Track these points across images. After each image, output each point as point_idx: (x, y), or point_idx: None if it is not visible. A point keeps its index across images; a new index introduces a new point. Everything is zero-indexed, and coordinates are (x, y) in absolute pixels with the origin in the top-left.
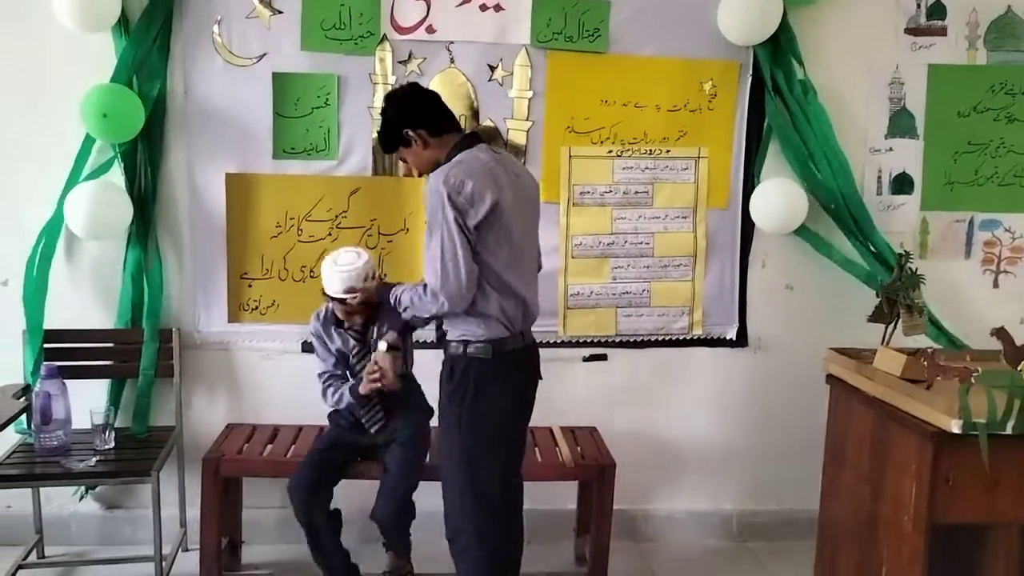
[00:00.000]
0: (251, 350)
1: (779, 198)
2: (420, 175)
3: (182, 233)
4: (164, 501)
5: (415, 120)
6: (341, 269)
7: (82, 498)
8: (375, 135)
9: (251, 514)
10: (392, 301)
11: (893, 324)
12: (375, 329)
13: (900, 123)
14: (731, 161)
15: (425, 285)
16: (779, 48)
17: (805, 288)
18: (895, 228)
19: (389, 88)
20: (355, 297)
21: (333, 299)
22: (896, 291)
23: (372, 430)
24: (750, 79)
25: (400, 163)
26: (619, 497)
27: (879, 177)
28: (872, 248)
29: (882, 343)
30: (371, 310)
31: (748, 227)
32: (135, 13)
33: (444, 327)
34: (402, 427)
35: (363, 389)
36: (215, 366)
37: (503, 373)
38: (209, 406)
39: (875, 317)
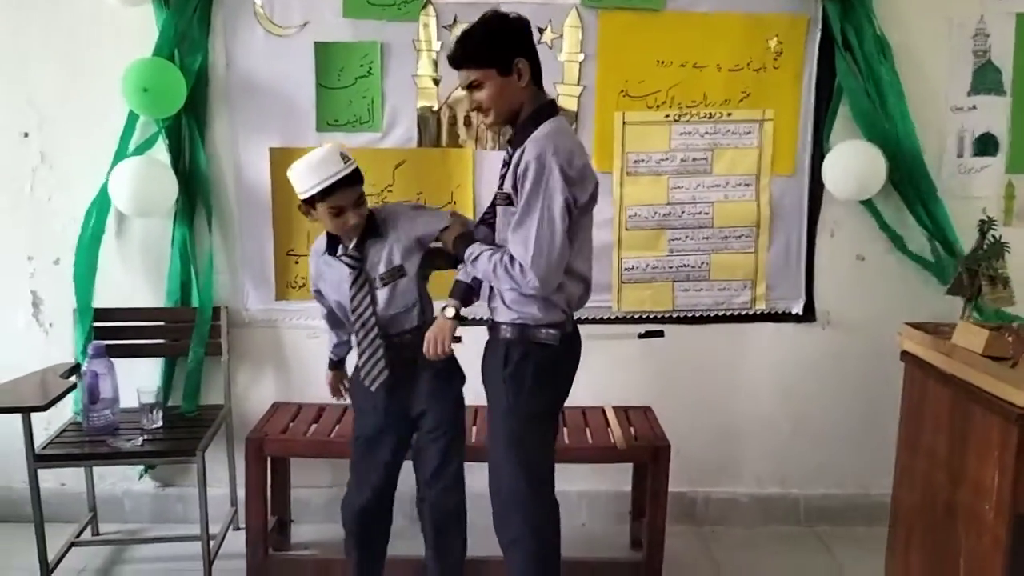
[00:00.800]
0: (298, 328)
1: (857, 162)
2: (491, 122)
3: (228, 210)
4: (215, 480)
5: (529, 50)
6: (313, 160)
7: (141, 477)
8: (457, 47)
9: (300, 493)
10: (467, 258)
11: (974, 297)
12: (380, 252)
13: (985, 78)
14: (798, 124)
15: (512, 257)
16: (850, 1)
17: (878, 258)
18: (977, 193)
19: (434, 56)
20: (349, 175)
21: (309, 204)
22: (978, 260)
23: (371, 385)
24: (819, 35)
25: (469, 99)
26: (678, 479)
27: (961, 138)
28: (931, 224)
29: (961, 317)
30: (368, 222)
31: (816, 195)
32: None
33: (494, 303)
34: (430, 411)
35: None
36: (262, 344)
37: (562, 359)
38: (257, 384)
39: (954, 289)
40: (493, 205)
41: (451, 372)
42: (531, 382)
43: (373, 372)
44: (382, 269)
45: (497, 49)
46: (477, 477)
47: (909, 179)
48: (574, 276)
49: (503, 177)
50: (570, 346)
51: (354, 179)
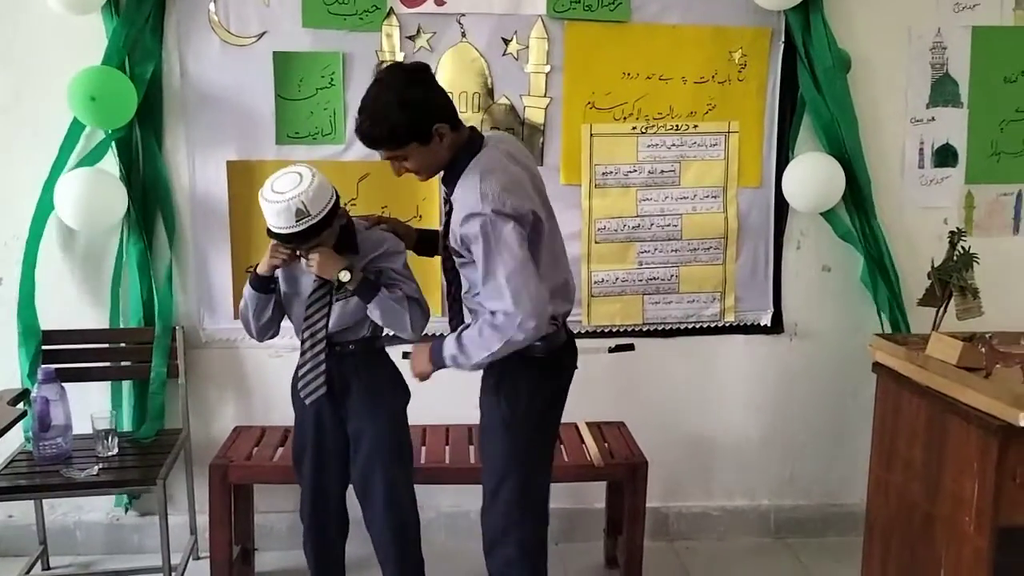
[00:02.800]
0: (259, 348)
1: (813, 174)
2: (425, 178)
3: (183, 225)
4: (172, 507)
5: (443, 108)
6: (272, 198)
7: (127, 510)
8: (370, 131)
9: (264, 519)
10: (451, 354)
11: (944, 307)
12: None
13: (943, 91)
14: (763, 136)
15: (492, 312)
16: (810, 13)
17: (843, 269)
18: (938, 203)
19: None
20: (298, 233)
21: (275, 237)
22: (949, 272)
23: (306, 399)
24: (782, 47)
25: (394, 168)
26: (650, 494)
27: (920, 149)
28: (867, 243)
29: (933, 328)
30: (344, 235)
31: (782, 206)
32: None
33: None
34: (366, 422)
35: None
36: (221, 365)
37: (553, 370)
38: (217, 408)
39: (925, 300)
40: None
41: (393, 387)
42: (526, 397)
43: (312, 385)
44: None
45: (413, 127)
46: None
47: (855, 195)
48: (553, 294)
49: (447, 217)
50: (563, 357)
51: (307, 235)
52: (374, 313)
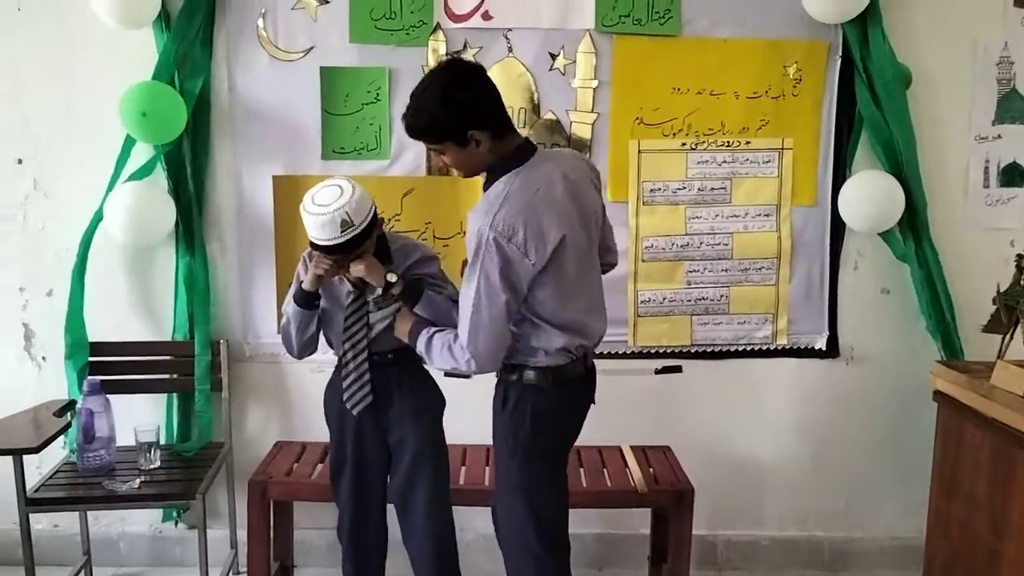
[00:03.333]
0: (301, 362)
1: (871, 193)
2: (464, 176)
3: (229, 239)
4: (214, 521)
5: (485, 117)
6: (315, 211)
7: (176, 523)
8: (411, 120)
9: (303, 535)
10: (421, 347)
11: (1010, 334)
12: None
13: (1010, 107)
14: (819, 153)
15: (456, 336)
16: (868, 26)
17: (903, 292)
18: (1004, 224)
19: None
20: (343, 243)
21: (317, 248)
22: (1016, 297)
23: (352, 409)
24: (839, 61)
25: (434, 159)
26: (697, 521)
27: (985, 168)
28: (922, 268)
29: (998, 356)
30: (379, 247)
31: (838, 225)
32: (176, 7)
33: None
34: (409, 430)
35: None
36: (265, 380)
37: (562, 401)
38: (259, 422)
39: (991, 327)
40: None
41: (432, 396)
42: (529, 426)
43: (358, 395)
44: (379, 293)
45: (448, 126)
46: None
47: (910, 215)
48: (566, 327)
49: None
50: (576, 390)
51: (351, 245)
52: (426, 312)
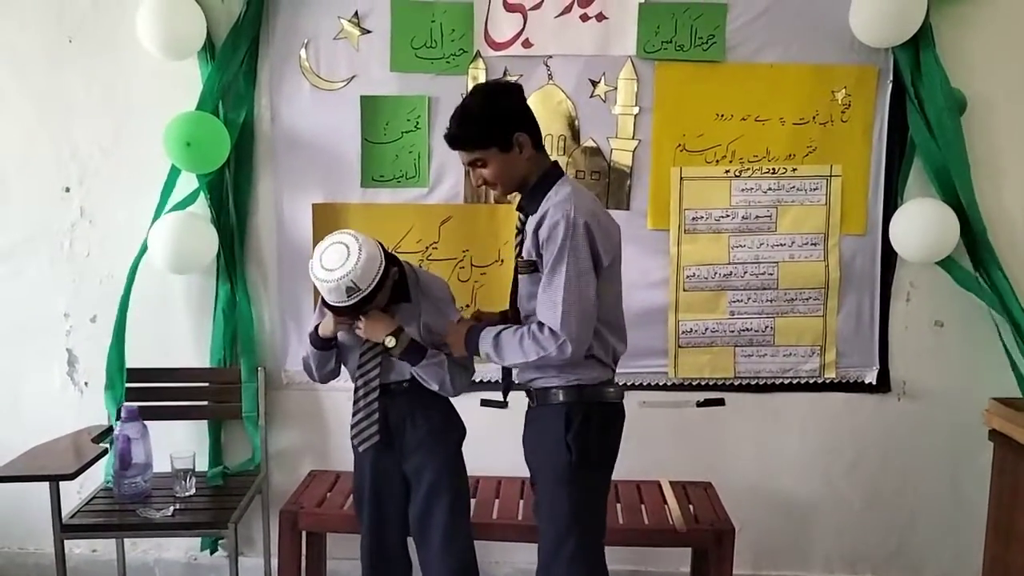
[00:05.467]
0: (338, 390)
1: (925, 222)
2: (500, 194)
3: (269, 267)
4: (249, 548)
5: (528, 121)
6: (322, 276)
7: (213, 552)
8: (455, 130)
9: (337, 565)
10: (485, 351)
11: None
12: (403, 318)
13: None
14: (869, 180)
15: (540, 323)
16: (920, 50)
17: (958, 325)
18: None
19: None
20: (351, 306)
21: (330, 309)
22: None
23: (360, 447)
24: (890, 86)
25: (473, 176)
26: (740, 560)
27: None
28: (992, 295)
29: None
30: (398, 285)
31: (889, 255)
32: (221, 38)
33: (536, 372)
34: (425, 459)
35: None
36: (300, 408)
37: (619, 418)
38: (294, 450)
39: None
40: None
41: (448, 423)
42: (596, 447)
43: (365, 433)
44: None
45: (495, 128)
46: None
47: (970, 244)
48: (614, 328)
49: (520, 244)
50: (622, 407)
51: (359, 307)
52: (420, 372)
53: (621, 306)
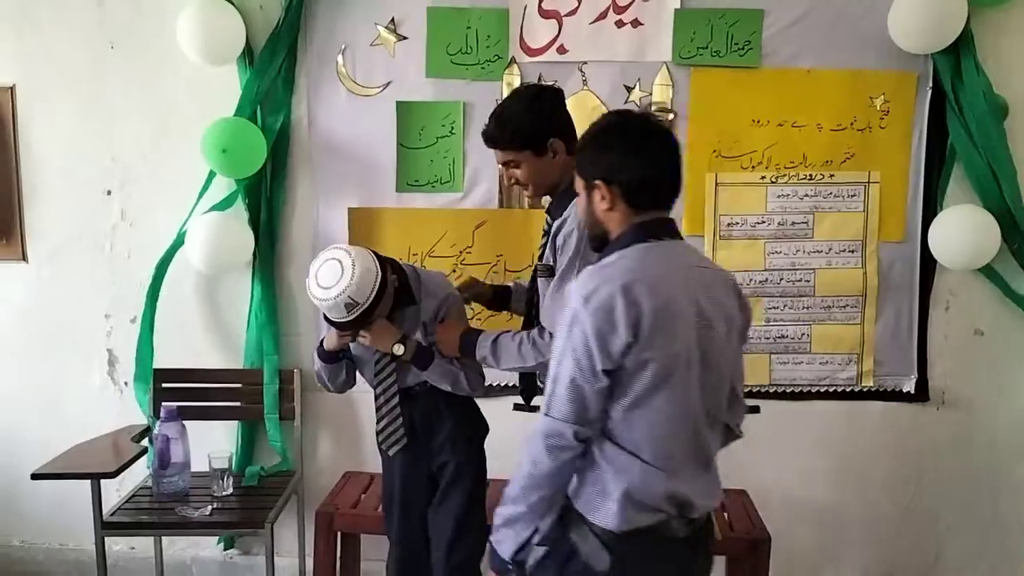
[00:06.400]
0: (371, 393)
1: (965, 229)
2: (531, 195)
3: (304, 270)
4: (284, 549)
5: (566, 128)
6: (320, 295)
7: (227, 548)
8: (493, 130)
9: (372, 566)
10: (481, 356)
11: None
12: (409, 320)
13: None
14: (908, 187)
15: (542, 330)
16: (961, 56)
17: (999, 333)
18: None
19: None
20: (352, 321)
21: (332, 324)
22: None
23: (389, 451)
24: (930, 92)
25: (506, 176)
26: (775, 570)
27: None
28: None
29: None
30: (402, 287)
31: (928, 263)
32: (259, 44)
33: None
34: (450, 456)
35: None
36: (336, 409)
37: None
38: (330, 451)
39: None
40: (534, 281)
41: (472, 421)
42: None
43: (392, 438)
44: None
45: (530, 132)
46: None
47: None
48: None
49: (543, 247)
50: None
51: (360, 320)
52: (430, 376)
53: None
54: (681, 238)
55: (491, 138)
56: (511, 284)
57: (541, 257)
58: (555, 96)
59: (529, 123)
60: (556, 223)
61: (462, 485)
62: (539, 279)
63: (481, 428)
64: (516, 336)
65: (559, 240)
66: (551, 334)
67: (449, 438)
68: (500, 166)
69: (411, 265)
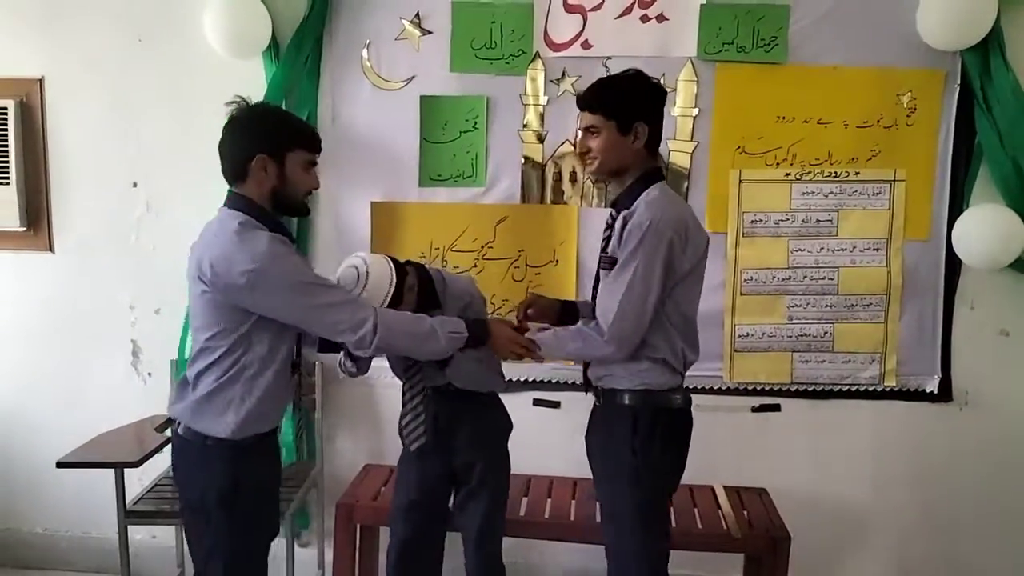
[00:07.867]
0: (394, 386)
1: (989, 228)
2: (593, 170)
3: (327, 263)
4: (303, 539)
5: (654, 123)
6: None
7: None
8: (591, 91)
9: None
10: (546, 344)
11: None
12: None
13: None
14: (934, 185)
15: (596, 324)
16: (990, 54)
17: None
18: None
19: (541, 110)
20: None
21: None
22: None
23: (411, 446)
24: (957, 90)
25: (580, 142)
26: (793, 569)
27: None
28: None
29: None
30: (426, 288)
31: (953, 262)
32: (285, 38)
33: (604, 371)
34: (475, 455)
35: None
36: (357, 402)
37: (689, 425)
38: (349, 443)
39: None
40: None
41: (498, 420)
42: (661, 452)
43: (415, 434)
44: None
45: (623, 106)
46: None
47: None
48: (688, 336)
49: (606, 239)
50: (690, 411)
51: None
52: (455, 378)
53: (696, 315)
54: None
55: (584, 99)
56: (576, 301)
57: (603, 249)
58: (661, 93)
59: (626, 97)
60: (624, 213)
61: (489, 485)
62: (601, 271)
63: (506, 425)
64: (578, 330)
65: (628, 228)
66: (601, 325)
67: (475, 438)
68: (579, 132)
69: (438, 269)
